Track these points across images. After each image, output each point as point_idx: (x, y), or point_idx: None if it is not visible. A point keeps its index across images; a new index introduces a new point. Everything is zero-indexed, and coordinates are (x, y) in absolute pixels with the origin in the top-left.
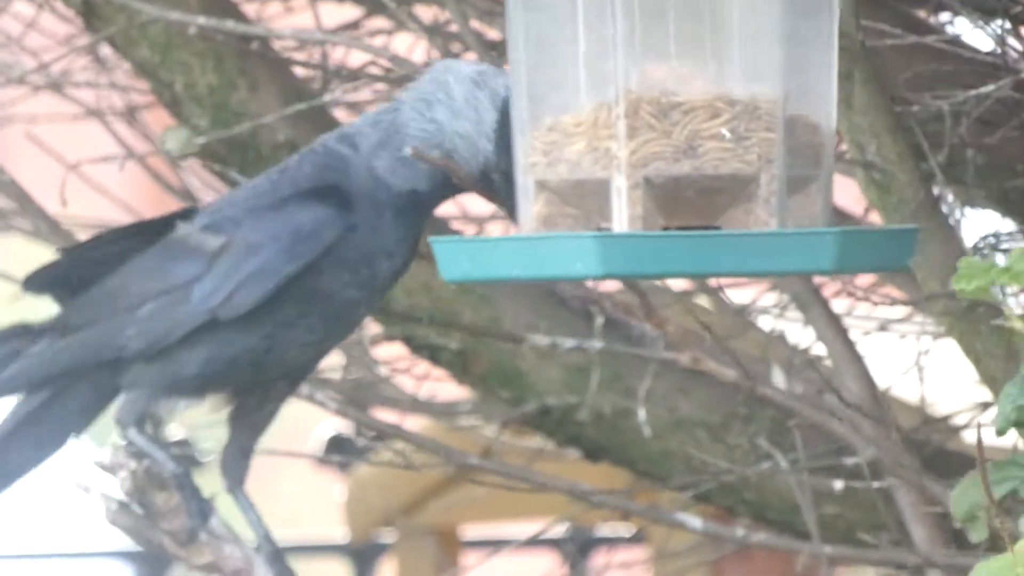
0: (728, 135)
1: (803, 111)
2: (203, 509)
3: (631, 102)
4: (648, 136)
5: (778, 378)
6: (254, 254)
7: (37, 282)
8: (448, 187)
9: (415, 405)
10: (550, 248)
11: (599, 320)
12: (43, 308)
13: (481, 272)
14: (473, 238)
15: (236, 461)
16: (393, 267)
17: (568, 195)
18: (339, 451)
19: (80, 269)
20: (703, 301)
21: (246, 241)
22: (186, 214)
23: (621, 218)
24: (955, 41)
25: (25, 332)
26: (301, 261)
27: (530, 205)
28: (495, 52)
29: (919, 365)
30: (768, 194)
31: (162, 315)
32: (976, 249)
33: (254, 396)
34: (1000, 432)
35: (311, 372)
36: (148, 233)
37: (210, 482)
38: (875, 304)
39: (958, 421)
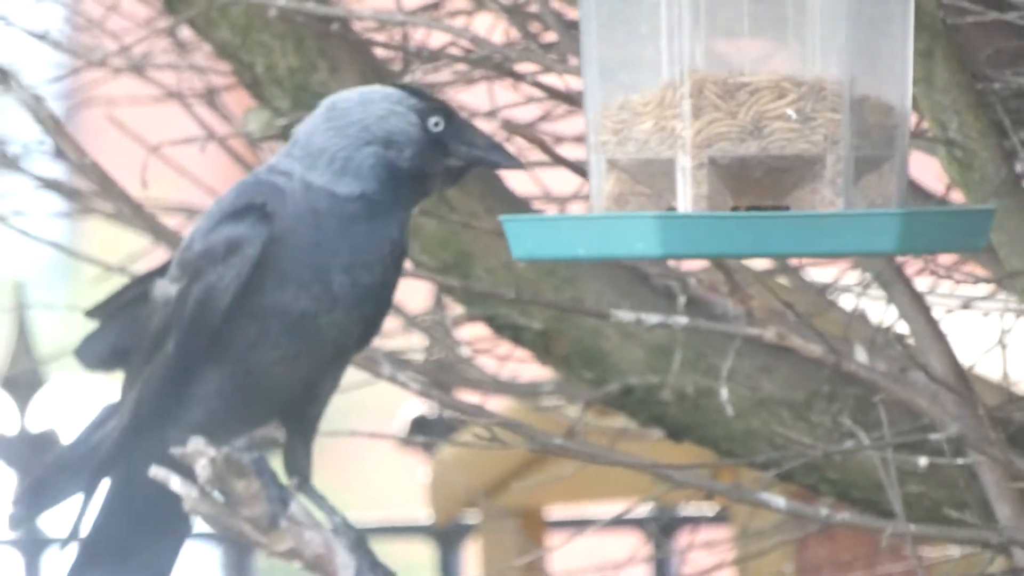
0: (794, 116)
1: (875, 92)
2: (283, 496)
3: (696, 82)
4: (713, 116)
5: (861, 357)
6: (195, 290)
7: (89, 359)
8: (405, 188)
9: (498, 386)
10: (611, 228)
11: (682, 299)
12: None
13: (545, 251)
14: (539, 216)
15: (298, 460)
16: (357, 281)
17: (638, 174)
18: (423, 432)
19: (121, 334)
20: (784, 281)
21: (193, 276)
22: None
23: (686, 198)
24: None
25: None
26: (235, 283)
27: (602, 183)
28: (575, 31)
29: (1002, 343)
30: (834, 175)
31: (156, 374)
32: None
33: (295, 405)
34: None
35: (339, 377)
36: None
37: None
38: (958, 282)
39: None
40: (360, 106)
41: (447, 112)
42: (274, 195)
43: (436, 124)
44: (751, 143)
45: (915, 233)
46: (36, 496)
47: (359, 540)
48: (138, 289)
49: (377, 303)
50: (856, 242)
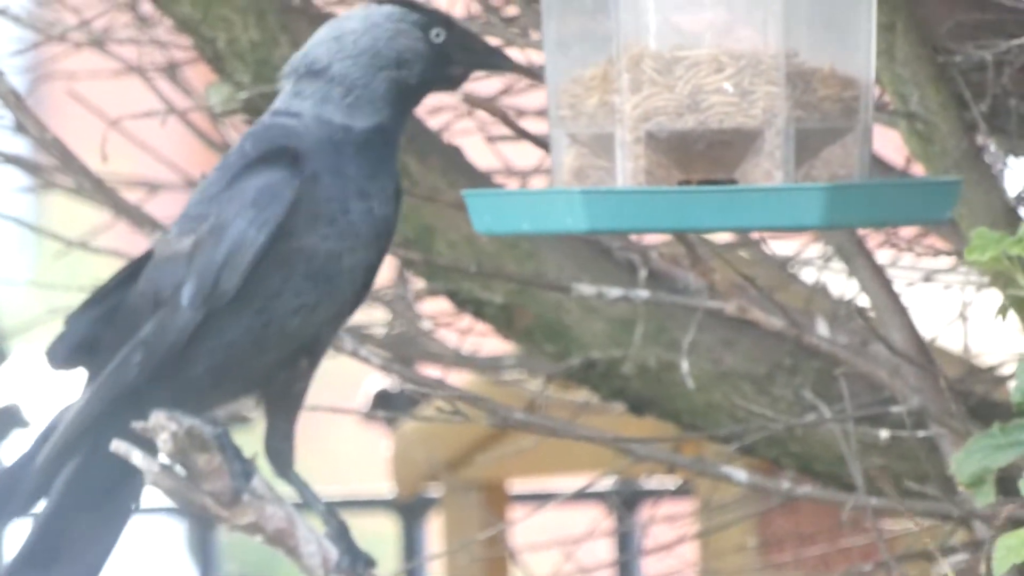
0: (731, 89)
1: (829, 64)
2: (245, 470)
3: (633, 56)
4: (651, 90)
5: (822, 329)
6: (223, 237)
7: (59, 358)
8: (409, 106)
9: (459, 360)
10: (547, 203)
11: (643, 272)
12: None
13: (501, 225)
14: (496, 191)
15: (280, 446)
16: (371, 209)
17: (596, 148)
18: (385, 406)
19: (92, 327)
20: (745, 254)
21: (212, 228)
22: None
23: (624, 171)
24: None
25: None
26: (270, 226)
27: (562, 157)
28: (536, 5)
29: (963, 315)
30: (773, 148)
31: (162, 329)
32: (1019, 199)
33: (280, 380)
34: (1018, 405)
35: (329, 344)
36: (139, 270)
37: (251, 442)
38: (919, 255)
39: (1003, 371)
40: (368, 31)
41: (447, 21)
42: (292, 135)
43: (437, 35)
44: (689, 117)
45: (842, 207)
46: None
47: (342, 529)
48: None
49: (385, 239)
50: (780, 216)
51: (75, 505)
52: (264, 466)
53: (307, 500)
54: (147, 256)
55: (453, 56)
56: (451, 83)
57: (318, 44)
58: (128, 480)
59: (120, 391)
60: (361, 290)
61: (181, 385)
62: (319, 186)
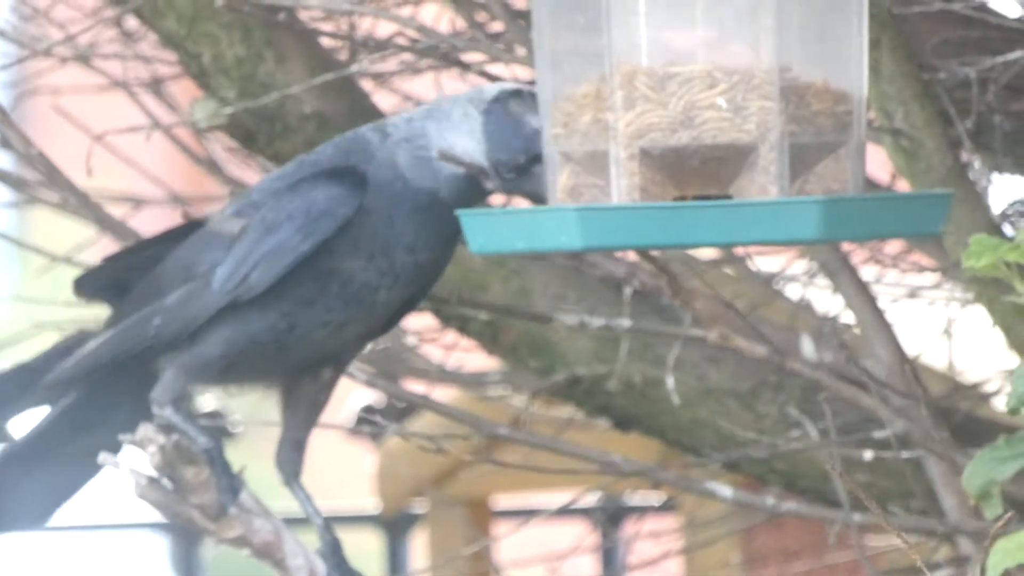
0: (724, 105)
1: (822, 78)
2: (233, 484)
3: (626, 73)
4: (644, 107)
5: (807, 346)
6: (270, 234)
7: (87, 287)
8: (473, 193)
9: (444, 375)
10: (541, 221)
11: (628, 290)
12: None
13: (496, 245)
14: (487, 210)
15: (291, 455)
16: (417, 261)
17: (590, 166)
18: (370, 422)
19: (126, 271)
20: (730, 271)
21: (263, 221)
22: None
23: (619, 188)
24: (982, 8)
25: (86, 337)
26: (315, 239)
27: (556, 176)
28: (522, 21)
29: (948, 332)
30: (767, 162)
31: (187, 301)
32: (1004, 215)
33: (302, 386)
34: (1012, 411)
35: (352, 358)
36: (188, 232)
37: (239, 455)
38: (904, 271)
39: (987, 388)
40: (490, 117)
41: (525, 170)
42: (368, 158)
43: (508, 177)
44: (682, 133)
45: (838, 221)
46: None
47: (335, 545)
48: (161, 241)
49: (430, 278)
50: (776, 231)
51: (63, 433)
52: (251, 479)
53: (307, 512)
54: (199, 223)
55: (506, 185)
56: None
57: (456, 102)
58: (111, 429)
59: (133, 346)
60: (396, 315)
61: (194, 362)
62: (369, 221)
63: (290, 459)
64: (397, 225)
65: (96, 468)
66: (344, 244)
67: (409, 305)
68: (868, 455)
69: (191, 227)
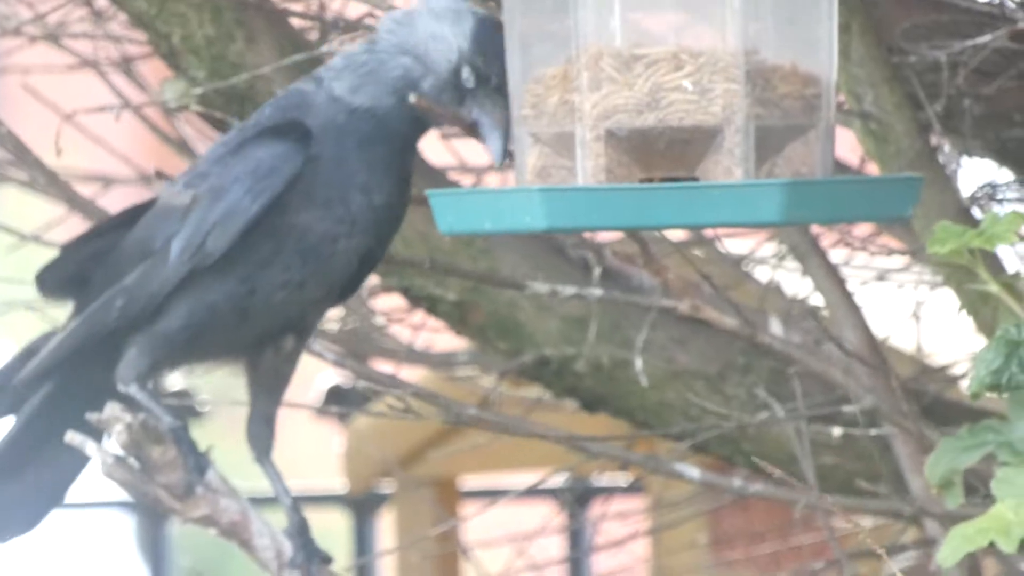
0: (690, 87)
1: (791, 61)
2: (200, 463)
3: (592, 55)
4: (610, 89)
5: (776, 328)
6: (220, 199)
7: (48, 282)
8: (419, 118)
9: (412, 356)
10: (506, 201)
11: (597, 270)
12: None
13: (461, 225)
14: (455, 190)
15: (261, 430)
16: (372, 203)
17: (558, 147)
18: (338, 402)
19: (84, 263)
20: (700, 252)
21: (212, 189)
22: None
23: (585, 170)
24: None
25: (51, 336)
26: (264, 198)
27: (525, 157)
28: (492, 3)
29: (916, 314)
30: (732, 145)
31: (146, 278)
32: (973, 199)
33: (265, 358)
34: (974, 396)
35: (315, 325)
36: (142, 212)
37: (206, 435)
38: (873, 254)
39: (955, 371)
40: (428, 18)
41: (484, 75)
42: (306, 108)
43: (466, 80)
44: (648, 115)
45: (819, 203)
46: None
47: (302, 525)
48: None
49: (387, 227)
50: (740, 213)
51: (40, 431)
52: (217, 459)
53: (276, 491)
54: (151, 203)
55: (465, 101)
56: (455, 121)
57: (391, 19)
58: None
59: (98, 331)
60: (356, 276)
61: (157, 337)
62: (320, 169)
63: (260, 435)
64: (348, 165)
65: (80, 465)
66: (297, 198)
67: (368, 264)
68: (837, 431)
69: (144, 207)
